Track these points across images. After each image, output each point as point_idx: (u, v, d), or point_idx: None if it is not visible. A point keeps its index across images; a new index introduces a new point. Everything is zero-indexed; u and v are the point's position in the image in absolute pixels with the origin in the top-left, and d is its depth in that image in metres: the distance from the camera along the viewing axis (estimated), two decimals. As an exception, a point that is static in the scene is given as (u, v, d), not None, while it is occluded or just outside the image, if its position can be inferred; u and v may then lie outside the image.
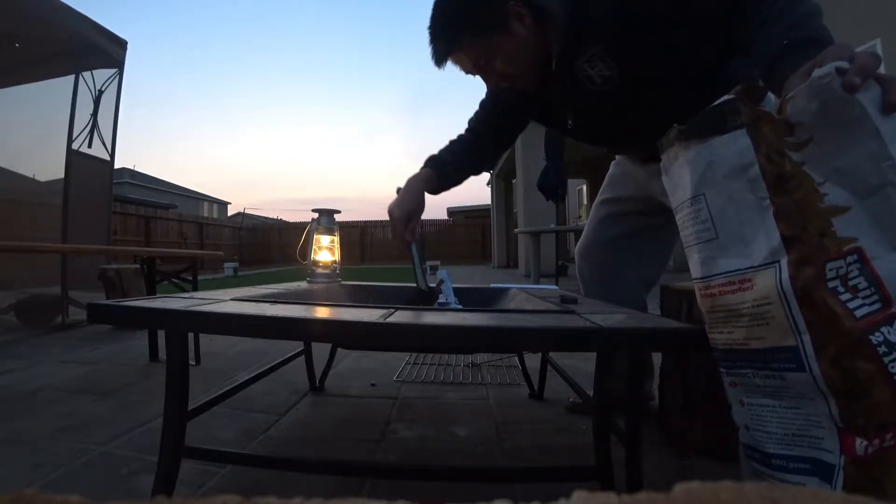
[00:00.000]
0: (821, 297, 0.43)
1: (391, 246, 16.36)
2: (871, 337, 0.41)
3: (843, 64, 0.45)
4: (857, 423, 0.41)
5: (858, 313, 0.42)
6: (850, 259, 0.43)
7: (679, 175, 0.55)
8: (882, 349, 0.41)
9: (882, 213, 0.43)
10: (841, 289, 0.43)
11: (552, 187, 4.86)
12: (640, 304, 1.15)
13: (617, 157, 1.23)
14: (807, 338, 0.43)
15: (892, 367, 0.40)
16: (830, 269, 0.43)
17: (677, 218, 0.57)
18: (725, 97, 0.50)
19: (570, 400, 1.32)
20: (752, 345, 0.47)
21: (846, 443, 0.42)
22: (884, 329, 0.41)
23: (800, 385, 0.44)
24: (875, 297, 0.42)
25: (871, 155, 0.44)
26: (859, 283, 0.42)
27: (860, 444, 0.41)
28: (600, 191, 1.28)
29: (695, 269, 0.54)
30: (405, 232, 1.03)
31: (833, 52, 0.49)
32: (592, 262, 1.25)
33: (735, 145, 0.48)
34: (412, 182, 1.06)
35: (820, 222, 0.44)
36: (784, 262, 0.44)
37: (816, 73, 0.46)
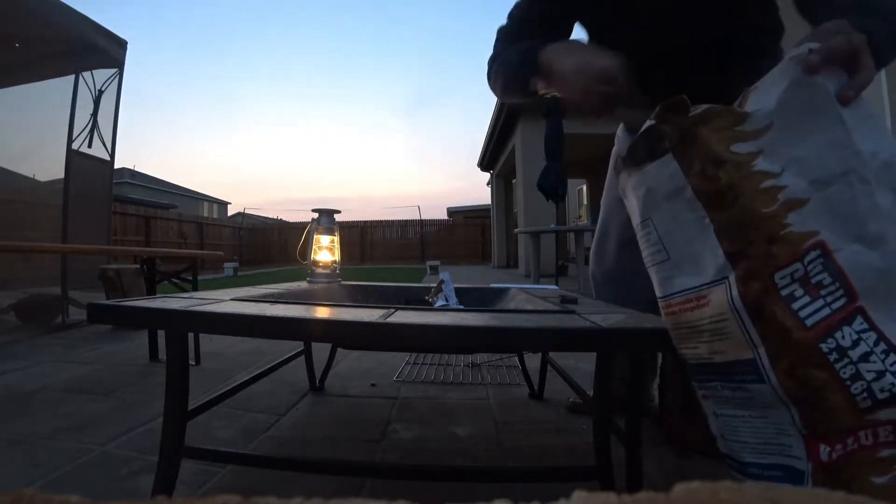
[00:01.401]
0: (770, 309, 0.43)
1: (391, 246, 16.38)
2: (822, 345, 0.41)
3: (815, 45, 0.44)
4: (819, 430, 0.41)
5: (811, 321, 0.41)
6: (811, 255, 0.42)
7: (630, 200, 0.56)
8: (833, 356, 0.41)
9: (842, 202, 0.43)
10: (798, 293, 0.42)
11: (552, 187, 4.86)
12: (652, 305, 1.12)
13: (620, 149, 1.15)
14: (762, 350, 0.43)
15: (844, 373, 0.40)
16: (783, 278, 0.42)
17: (638, 238, 0.57)
18: (648, 122, 0.51)
19: (571, 400, 1.32)
20: (715, 359, 0.48)
21: (811, 449, 0.42)
22: (837, 334, 0.41)
23: (763, 395, 0.44)
24: (840, 293, 0.42)
25: (833, 143, 0.43)
26: (823, 278, 0.42)
27: (824, 450, 0.41)
28: (607, 187, 1.21)
29: (656, 289, 0.55)
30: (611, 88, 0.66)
31: (821, 31, 0.48)
32: (606, 267, 1.18)
33: (667, 170, 0.49)
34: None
35: (768, 227, 0.43)
36: (732, 277, 0.45)
37: (790, 53, 0.45)
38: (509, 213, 11.52)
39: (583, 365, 1.51)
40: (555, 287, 1.46)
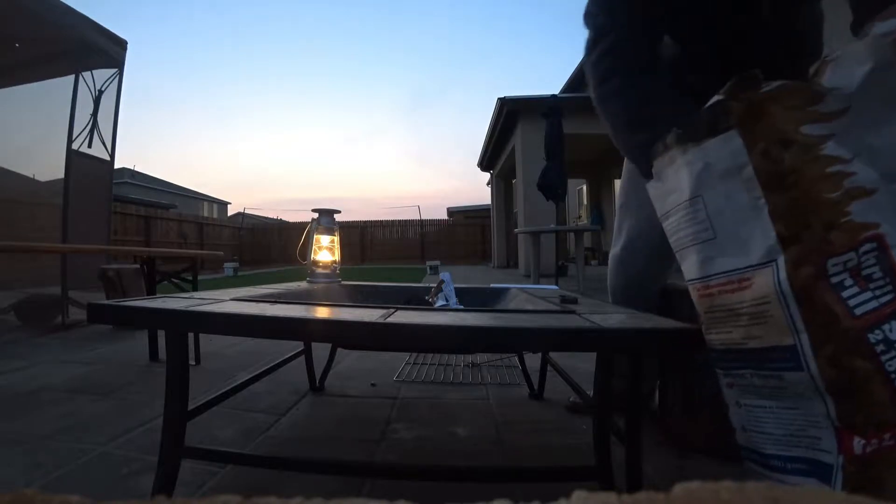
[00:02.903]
0: (819, 296, 0.42)
1: (391, 246, 16.38)
2: (869, 336, 0.40)
3: None
4: (856, 423, 0.41)
5: (859, 311, 0.41)
6: (865, 248, 0.41)
7: (674, 178, 0.54)
8: (880, 348, 0.40)
9: None
10: (848, 282, 0.41)
11: (552, 187, 4.87)
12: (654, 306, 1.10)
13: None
14: (805, 337, 0.42)
15: (890, 366, 0.40)
16: (834, 265, 0.42)
17: (667, 223, 0.56)
18: (716, 97, 0.49)
19: (571, 400, 1.32)
20: (749, 344, 0.47)
21: (844, 442, 0.41)
22: (885, 326, 0.40)
23: (797, 385, 0.43)
24: (889, 288, 0.41)
25: None
26: (874, 272, 0.41)
27: (858, 443, 0.40)
28: (628, 195, 1.12)
29: (691, 270, 0.53)
30: None
31: None
32: (631, 280, 1.13)
33: (728, 147, 0.48)
34: None
35: (828, 213, 0.42)
36: (781, 260, 0.44)
37: (877, 28, 0.42)
38: (509, 213, 11.52)
39: (583, 365, 1.51)
40: (555, 287, 1.46)
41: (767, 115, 0.45)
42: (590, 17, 0.82)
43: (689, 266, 0.54)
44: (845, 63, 0.43)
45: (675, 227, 0.55)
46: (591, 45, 0.80)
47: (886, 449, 0.40)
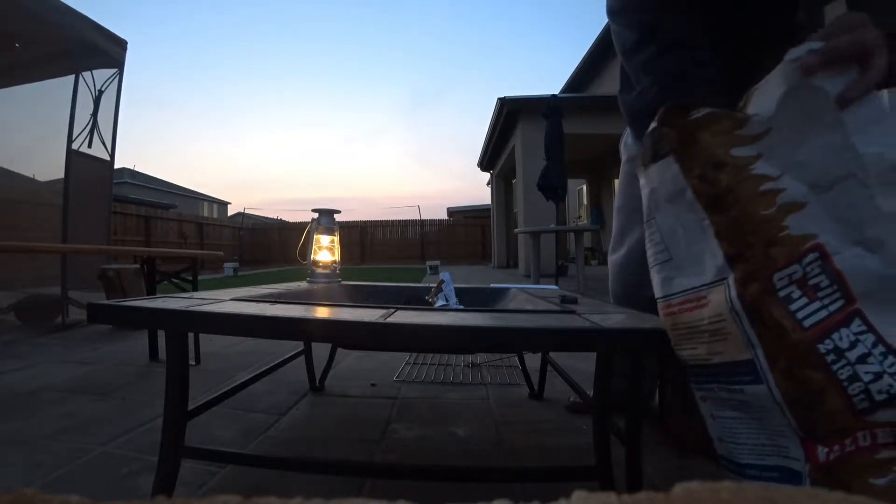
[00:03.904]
0: (768, 310, 0.43)
1: (391, 246, 16.38)
2: (819, 346, 0.41)
3: (817, 45, 0.43)
4: (817, 432, 0.41)
5: (808, 322, 0.42)
6: (809, 258, 0.42)
7: (642, 199, 0.57)
8: (831, 357, 0.41)
9: (842, 205, 0.43)
10: (795, 294, 0.42)
11: (552, 187, 4.87)
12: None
13: (629, 154, 1.09)
14: (760, 351, 0.43)
15: (841, 374, 0.40)
16: (780, 279, 0.43)
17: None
18: (652, 124, 0.51)
19: (571, 400, 1.32)
20: (713, 360, 0.48)
21: (809, 451, 0.42)
22: (834, 335, 0.41)
23: (759, 397, 0.44)
24: (837, 295, 0.42)
25: (831, 147, 0.43)
26: (820, 281, 0.42)
27: (822, 451, 0.41)
28: (624, 194, 1.12)
29: (656, 289, 0.55)
30: None
31: (831, 27, 0.45)
32: (631, 281, 1.09)
33: (668, 172, 0.50)
34: None
35: (767, 230, 0.44)
36: (731, 278, 0.45)
37: (789, 54, 0.44)
38: (509, 213, 11.52)
39: (583, 365, 1.51)
40: (555, 287, 1.46)
41: (699, 141, 0.47)
42: (628, 14, 0.75)
43: (655, 285, 0.56)
44: (767, 89, 0.46)
45: (647, 247, 0.57)
46: (640, 44, 0.73)
47: (848, 455, 0.40)
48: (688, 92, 0.68)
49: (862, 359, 0.40)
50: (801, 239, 0.43)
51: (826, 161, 0.43)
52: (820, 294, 0.42)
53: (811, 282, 0.42)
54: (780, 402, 0.43)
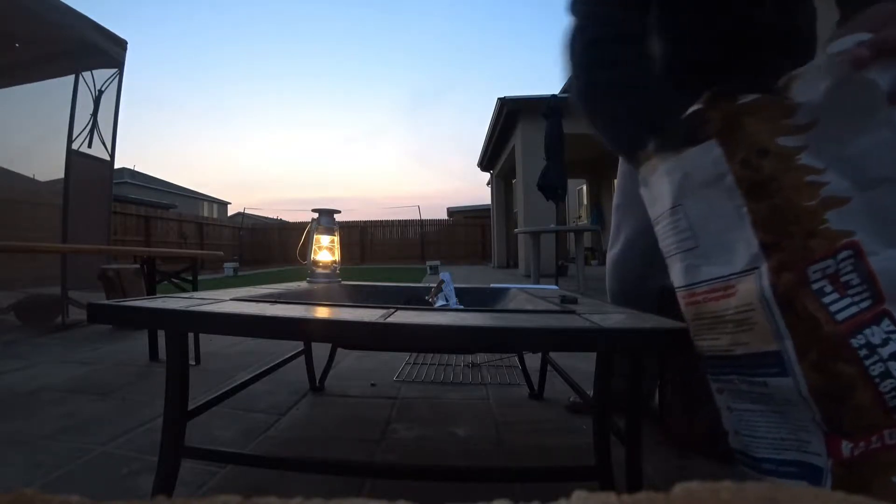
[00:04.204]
0: (801, 302, 0.42)
1: (391, 246, 16.38)
2: (851, 340, 0.41)
3: (865, 36, 0.42)
4: (842, 427, 0.41)
5: (840, 316, 0.41)
6: (843, 255, 0.42)
7: (658, 186, 0.55)
8: (863, 352, 0.40)
9: (884, 207, 0.42)
10: (828, 289, 0.42)
11: (552, 187, 4.87)
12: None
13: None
14: (789, 342, 0.43)
15: (873, 370, 0.40)
16: (815, 272, 0.42)
17: (657, 229, 0.57)
18: (694, 106, 0.50)
19: (571, 400, 1.32)
20: (736, 350, 0.47)
21: (832, 446, 0.41)
22: (867, 331, 0.41)
23: (783, 390, 0.44)
24: (867, 294, 0.41)
25: (880, 145, 0.42)
26: (852, 279, 0.42)
27: (846, 446, 0.41)
28: (622, 192, 1.12)
29: (678, 278, 0.54)
30: None
31: (867, 18, 0.44)
32: (629, 278, 1.11)
33: (708, 156, 0.48)
34: None
35: (807, 221, 0.43)
36: (764, 268, 0.44)
37: (832, 46, 0.43)
38: (509, 213, 11.52)
39: (583, 365, 1.51)
40: (555, 287, 1.46)
41: (744, 126, 0.46)
42: (576, 5, 0.77)
43: (676, 273, 0.55)
44: (809, 77, 0.44)
45: (662, 235, 0.56)
46: (576, 35, 0.75)
47: (873, 452, 0.40)
48: (608, 88, 0.71)
49: (894, 356, 0.40)
50: (839, 235, 0.42)
51: (873, 159, 0.42)
52: (850, 291, 0.41)
53: (843, 278, 0.42)
54: (807, 395, 0.42)
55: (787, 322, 0.43)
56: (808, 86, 0.44)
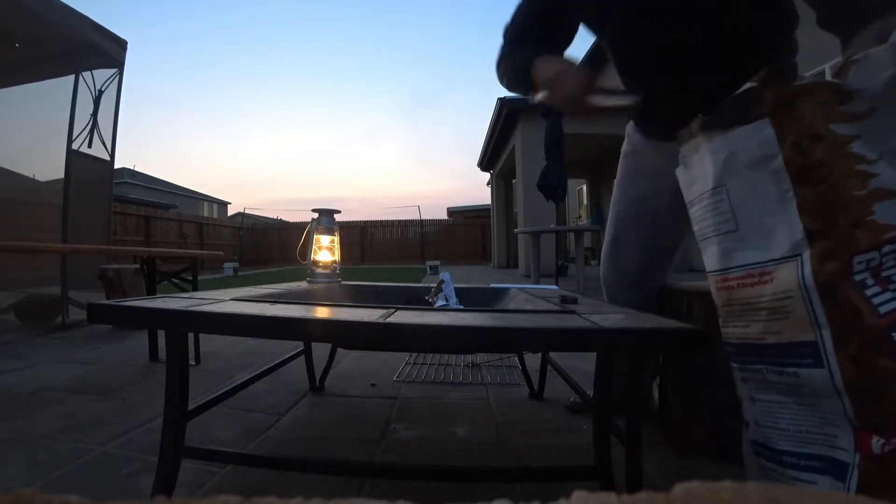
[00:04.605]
0: (843, 292, 0.41)
1: (391, 246, 16.38)
2: (894, 334, 0.40)
3: None
4: (874, 422, 0.40)
5: (883, 309, 0.40)
6: (886, 249, 0.41)
7: (699, 166, 0.53)
8: None
9: None
10: (870, 281, 0.41)
11: (552, 187, 4.86)
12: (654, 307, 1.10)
13: (631, 145, 1.11)
14: (827, 333, 0.41)
15: None
16: (859, 262, 0.41)
17: (692, 211, 0.55)
18: (749, 84, 0.48)
19: (571, 400, 1.32)
20: (768, 339, 0.46)
21: (862, 441, 0.40)
22: None
23: (814, 382, 0.43)
24: None
25: None
26: (893, 273, 0.40)
27: (877, 442, 0.40)
28: (621, 187, 1.14)
29: (711, 262, 0.52)
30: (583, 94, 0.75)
31: None
32: (625, 273, 1.13)
33: (757, 136, 0.47)
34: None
35: (855, 211, 0.42)
36: (807, 255, 0.43)
37: None
38: (509, 213, 11.52)
39: (583, 365, 1.51)
40: (555, 287, 1.46)
41: (798, 109, 0.45)
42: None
43: (709, 257, 0.53)
44: (869, 65, 0.43)
45: (699, 217, 0.54)
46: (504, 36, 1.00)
47: None
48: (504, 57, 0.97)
49: None
50: (885, 228, 0.41)
51: None
52: (891, 286, 0.40)
53: (884, 273, 0.41)
54: (840, 387, 0.41)
55: (826, 312, 0.42)
56: (868, 73, 0.43)
